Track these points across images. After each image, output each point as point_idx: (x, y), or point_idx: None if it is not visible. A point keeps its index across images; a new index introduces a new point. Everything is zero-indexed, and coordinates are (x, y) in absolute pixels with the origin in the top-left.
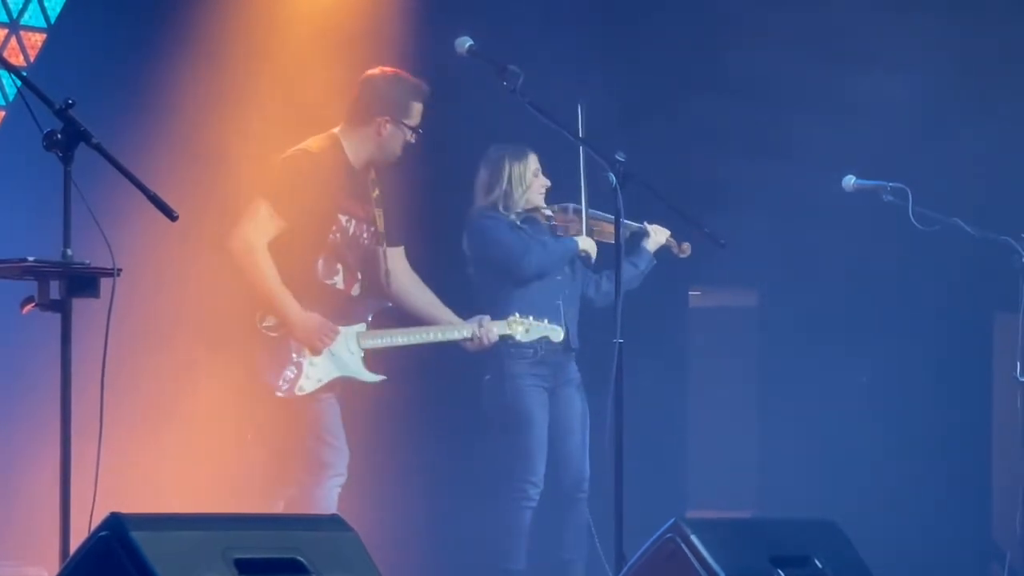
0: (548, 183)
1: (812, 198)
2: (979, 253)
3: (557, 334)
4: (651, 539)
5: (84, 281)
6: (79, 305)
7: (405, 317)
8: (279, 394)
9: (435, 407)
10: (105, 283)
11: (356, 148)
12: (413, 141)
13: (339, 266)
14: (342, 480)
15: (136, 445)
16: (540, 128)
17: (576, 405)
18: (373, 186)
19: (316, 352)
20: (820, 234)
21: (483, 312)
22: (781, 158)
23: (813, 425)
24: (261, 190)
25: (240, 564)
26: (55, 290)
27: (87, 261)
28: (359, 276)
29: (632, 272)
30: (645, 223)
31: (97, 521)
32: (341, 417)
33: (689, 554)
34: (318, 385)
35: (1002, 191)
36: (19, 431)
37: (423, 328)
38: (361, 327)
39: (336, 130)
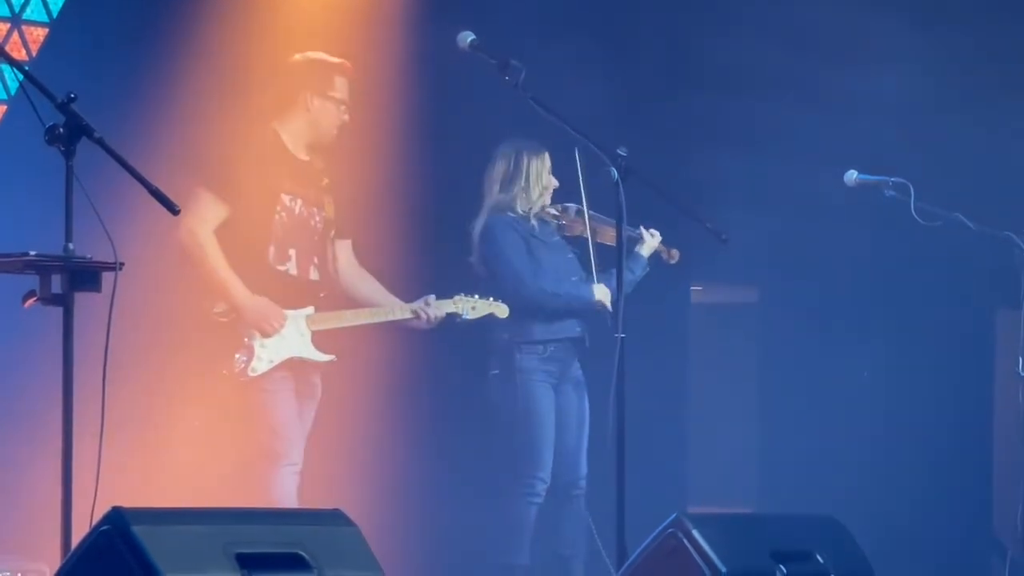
0: (557, 184)
1: (814, 193)
2: (981, 248)
3: (503, 311)
4: (653, 534)
5: (86, 275)
6: (80, 299)
7: (351, 305)
8: (232, 377)
9: (439, 400)
10: (107, 277)
11: (292, 133)
12: (347, 118)
13: (291, 251)
14: (296, 468)
15: (137, 439)
16: (537, 126)
17: (575, 402)
18: (321, 175)
19: (265, 335)
20: (822, 229)
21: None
22: (783, 153)
23: (814, 421)
24: (199, 180)
25: (242, 559)
26: (57, 284)
27: (89, 255)
28: (315, 260)
29: (628, 278)
30: (641, 228)
31: (98, 515)
32: (312, 408)
33: (691, 549)
34: (270, 366)
35: (1004, 186)
36: (20, 426)
37: (368, 309)
38: (309, 310)
39: (273, 124)
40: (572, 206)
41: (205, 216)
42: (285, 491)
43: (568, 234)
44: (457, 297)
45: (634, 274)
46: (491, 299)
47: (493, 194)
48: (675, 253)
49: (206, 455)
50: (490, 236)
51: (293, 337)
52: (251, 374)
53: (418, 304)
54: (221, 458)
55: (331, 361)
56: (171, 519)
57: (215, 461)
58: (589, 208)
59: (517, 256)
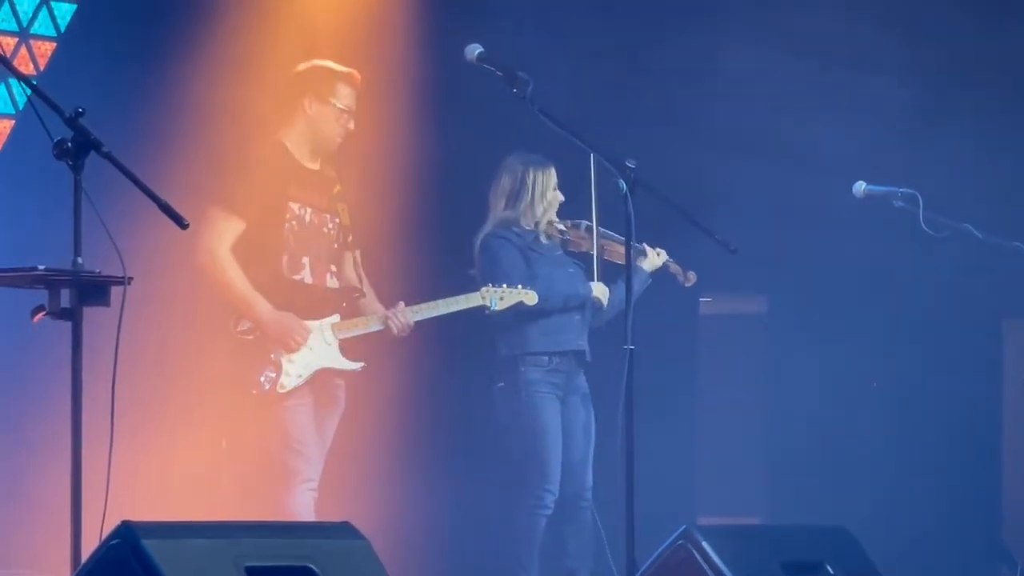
0: (563, 198)
1: (822, 204)
2: (989, 259)
3: (531, 298)
4: (663, 546)
5: (95, 289)
6: (89, 313)
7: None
8: (261, 395)
9: (448, 413)
10: (116, 291)
11: (296, 140)
12: (351, 126)
13: (304, 259)
14: (312, 486)
15: (148, 453)
16: (549, 139)
17: (581, 415)
18: (332, 183)
19: (291, 351)
20: (830, 240)
21: (504, 327)
22: (791, 163)
23: (823, 431)
24: (210, 198)
25: (252, 572)
26: (66, 299)
27: (97, 270)
28: (332, 268)
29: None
30: (644, 244)
31: (108, 529)
32: (334, 421)
33: (701, 561)
34: (299, 381)
35: (1013, 196)
36: (30, 439)
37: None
38: (335, 318)
39: (279, 134)
40: (583, 222)
41: (222, 234)
42: (301, 510)
43: (575, 250)
44: (484, 289)
45: (632, 287)
46: (519, 287)
47: (498, 209)
48: (692, 276)
49: (222, 473)
50: (488, 249)
51: (320, 348)
52: (280, 391)
53: (388, 312)
54: (237, 476)
55: (361, 368)
56: (181, 533)
57: (231, 479)
58: (600, 224)
59: (513, 267)
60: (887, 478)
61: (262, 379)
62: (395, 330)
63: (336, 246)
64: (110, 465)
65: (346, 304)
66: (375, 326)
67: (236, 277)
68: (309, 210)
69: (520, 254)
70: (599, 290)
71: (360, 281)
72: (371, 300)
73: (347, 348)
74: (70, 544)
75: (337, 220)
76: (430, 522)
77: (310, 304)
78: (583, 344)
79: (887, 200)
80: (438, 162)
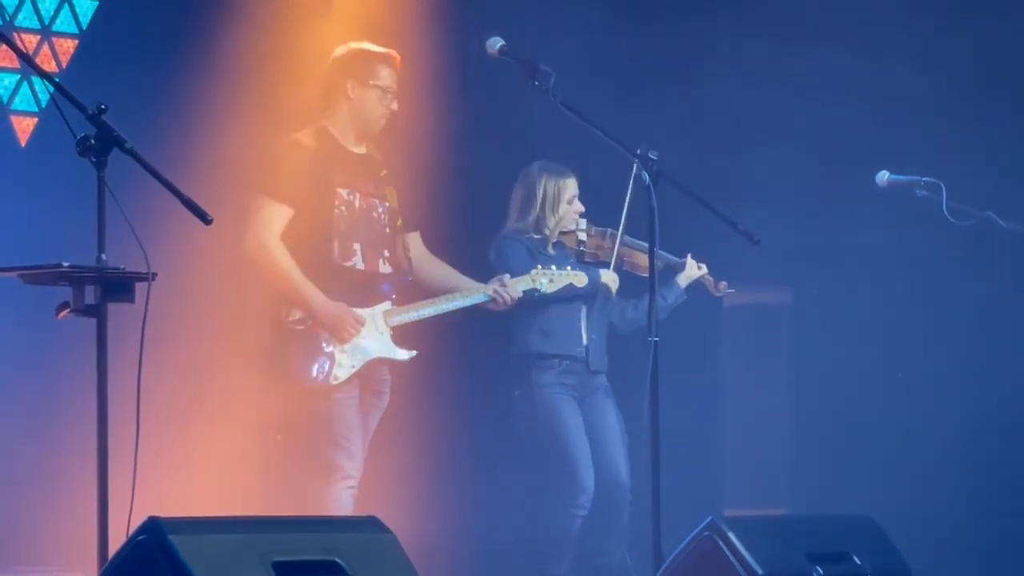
0: (582, 208)
1: (845, 193)
2: (1014, 247)
3: (581, 279)
4: (688, 537)
5: (119, 286)
6: (114, 309)
7: (426, 294)
8: (314, 386)
9: (478, 407)
10: (140, 287)
11: (340, 126)
12: (394, 107)
13: (356, 246)
14: (352, 483)
15: (175, 449)
16: (577, 136)
17: (609, 410)
18: (379, 166)
19: (343, 342)
20: (854, 230)
21: (502, 333)
22: (815, 153)
23: (849, 422)
24: (258, 186)
25: (279, 567)
26: (90, 295)
27: (122, 266)
28: (386, 253)
29: (660, 304)
30: (688, 257)
31: (135, 525)
32: (377, 417)
33: (727, 551)
34: (351, 371)
35: None
36: (56, 436)
37: (445, 296)
38: (386, 305)
39: (322, 120)
40: (608, 230)
41: (271, 222)
42: (340, 508)
43: (593, 260)
44: (534, 271)
45: (666, 300)
46: (568, 268)
47: (512, 219)
48: (723, 286)
49: (269, 466)
50: (498, 249)
51: (372, 337)
52: (333, 382)
53: (494, 284)
54: (280, 469)
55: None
56: (208, 528)
57: (272, 472)
58: (630, 234)
59: (520, 264)
60: (913, 468)
61: (315, 369)
62: (500, 302)
63: (388, 230)
64: (136, 461)
65: (396, 294)
66: (476, 298)
67: (288, 266)
68: (358, 195)
69: (528, 253)
70: (608, 277)
71: (410, 264)
72: (451, 274)
73: (399, 336)
74: (97, 540)
75: (386, 204)
76: (459, 517)
77: (363, 291)
78: (580, 351)
79: (910, 189)
80: (470, 154)
